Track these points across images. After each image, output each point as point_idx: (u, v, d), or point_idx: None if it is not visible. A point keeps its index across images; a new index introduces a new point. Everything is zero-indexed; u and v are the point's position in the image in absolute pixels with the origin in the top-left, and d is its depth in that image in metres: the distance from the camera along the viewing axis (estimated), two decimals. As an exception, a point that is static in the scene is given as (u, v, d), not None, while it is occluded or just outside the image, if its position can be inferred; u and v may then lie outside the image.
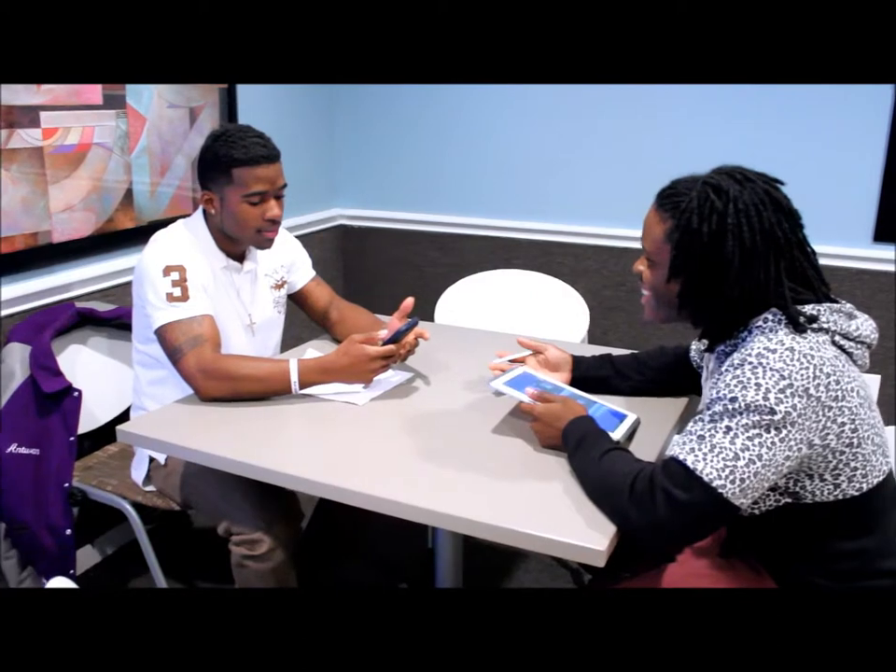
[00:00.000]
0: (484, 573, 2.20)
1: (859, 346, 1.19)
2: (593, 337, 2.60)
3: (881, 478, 1.17)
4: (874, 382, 1.46)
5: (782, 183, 1.22)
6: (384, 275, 3.18)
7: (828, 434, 1.11)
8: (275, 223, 1.66)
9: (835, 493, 1.15)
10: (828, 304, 1.19)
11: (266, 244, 1.70)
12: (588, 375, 1.60)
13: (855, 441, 1.13)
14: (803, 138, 2.42)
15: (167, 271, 1.58)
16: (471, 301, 2.42)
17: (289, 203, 2.81)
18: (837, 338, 1.17)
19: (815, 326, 1.16)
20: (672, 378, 1.59)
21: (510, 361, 1.61)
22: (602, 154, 2.69)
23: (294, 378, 1.55)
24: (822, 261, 1.24)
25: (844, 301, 1.24)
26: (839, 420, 1.11)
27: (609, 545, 1.11)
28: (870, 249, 2.44)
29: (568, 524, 1.15)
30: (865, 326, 1.20)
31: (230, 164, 1.58)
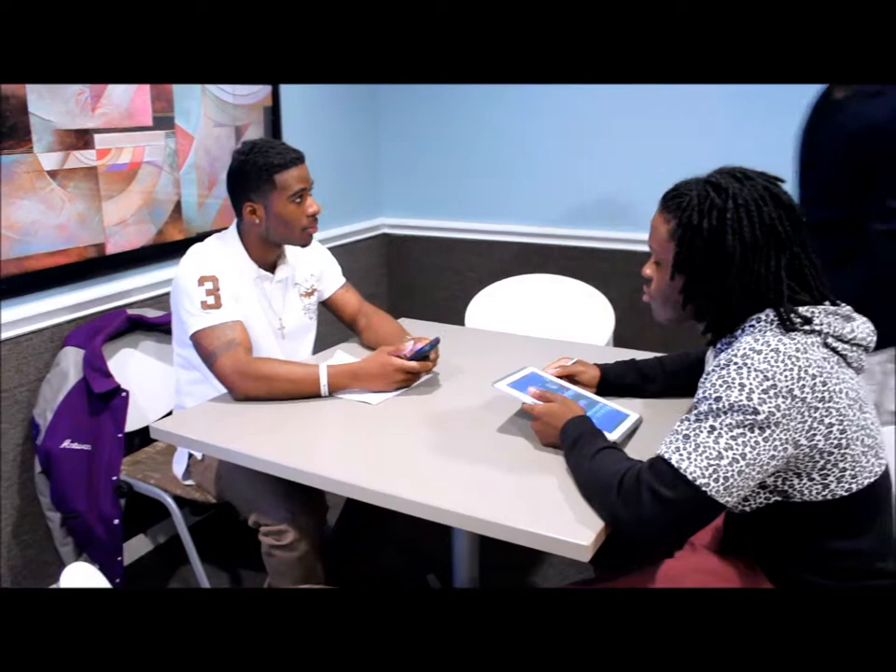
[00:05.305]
0: (511, 566, 2.25)
1: (854, 349, 1.20)
2: (626, 339, 2.62)
3: (872, 479, 1.17)
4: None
5: (782, 181, 1.25)
6: (426, 282, 3.27)
7: (815, 435, 1.12)
8: (316, 219, 1.79)
9: (824, 493, 1.16)
10: (824, 307, 1.21)
11: (309, 240, 1.81)
12: (616, 383, 1.65)
13: (843, 441, 1.14)
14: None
15: (201, 281, 1.69)
16: (498, 306, 2.47)
17: (336, 213, 2.95)
18: (830, 340, 1.18)
19: (807, 328, 1.17)
20: (694, 379, 1.62)
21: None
22: (635, 160, 2.71)
23: (324, 382, 1.64)
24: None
25: (842, 304, 1.25)
26: (826, 421, 1.12)
27: (594, 541, 1.14)
28: None
29: (558, 520, 1.19)
30: (862, 329, 1.21)
31: (271, 171, 1.69)
